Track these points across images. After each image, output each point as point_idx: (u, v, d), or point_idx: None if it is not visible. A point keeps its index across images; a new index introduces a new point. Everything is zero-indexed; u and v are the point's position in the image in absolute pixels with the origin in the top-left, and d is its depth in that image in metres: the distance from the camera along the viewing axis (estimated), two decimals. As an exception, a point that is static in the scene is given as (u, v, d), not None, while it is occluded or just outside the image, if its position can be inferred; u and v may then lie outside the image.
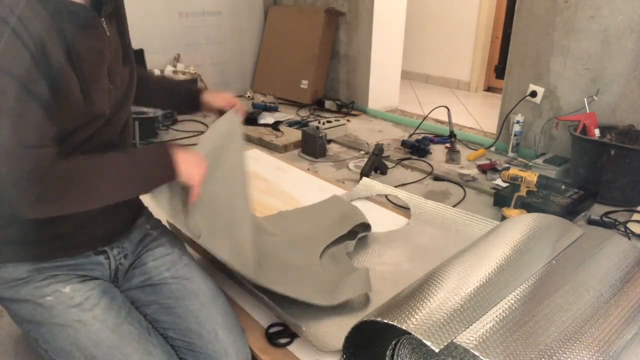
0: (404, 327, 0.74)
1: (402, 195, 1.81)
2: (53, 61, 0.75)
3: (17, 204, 0.74)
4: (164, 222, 1.16)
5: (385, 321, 0.77)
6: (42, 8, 0.75)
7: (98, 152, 0.87)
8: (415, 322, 0.75)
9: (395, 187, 1.93)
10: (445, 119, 2.70)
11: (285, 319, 1.08)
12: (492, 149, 2.62)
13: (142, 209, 1.10)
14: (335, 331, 1.07)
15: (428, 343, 0.70)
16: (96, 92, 0.84)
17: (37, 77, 0.73)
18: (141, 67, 1.14)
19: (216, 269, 1.26)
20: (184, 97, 1.20)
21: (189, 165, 0.91)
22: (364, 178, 1.96)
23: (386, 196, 1.85)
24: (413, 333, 0.73)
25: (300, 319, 1.06)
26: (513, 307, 0.80)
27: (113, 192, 0.84)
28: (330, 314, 1.12)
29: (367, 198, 1.82)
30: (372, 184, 1.90)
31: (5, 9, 0.70)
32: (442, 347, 0.70)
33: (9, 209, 0.77)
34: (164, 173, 0.89)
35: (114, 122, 0.92)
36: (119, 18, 0.93)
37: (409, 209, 1.74)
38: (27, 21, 0.72)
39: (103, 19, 0.86)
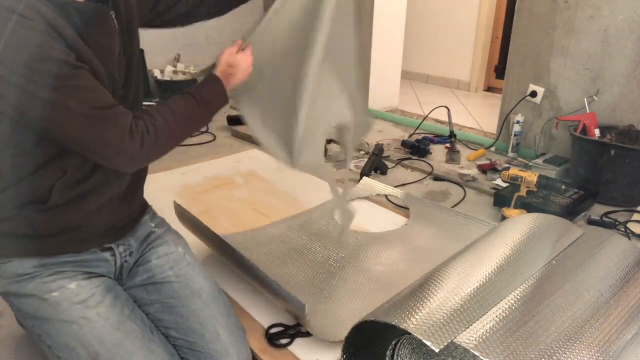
0: (403, 327, 0.74)
1: (401, 195, 1.81)
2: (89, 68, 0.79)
3: (123, 158, 0.83)
4: (168, 221, 1.17)
5: (386, 321, 0.77)
6: (59, 15, 0.76)
7: None
8: (415, 322, 0.75)
9: (395, 187, 1.94)
10: (445, 119, 2.70)
11: (289, 299, 1.04)
12: (492, 149, 2.62)
13: (146, 207, 1.11)
14: (334, 323, 1.07)
15: (428, 343, 0.70)
16: (115, 87, 0.87)
17: (72, 54, 0.76)
18: None
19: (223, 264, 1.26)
20: None
21: (235, 77, 1.02)
22: (364, 177, 1.96)
23: (386, 196, 1.85)
24: (413, 333, 0.73)
25: (305, 302, 1.03)
26: (513, 307, 0.80)
27: (191, 127, 0.95)
28: (334, 305, 1.11)
29: (367, 198, 1.82)
30: (372, 184, 1.90)
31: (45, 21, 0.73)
32: (442, 347, 0.70)
33: (113, 167, 0.87)
34: (221, 102, 1.00)
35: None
36: (121, 7, 0.92)
37: (408, 208, 1.74)
38: (64, 31, 0.75)
39: (113, 12, 0.86)
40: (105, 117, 0.79)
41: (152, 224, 1.09)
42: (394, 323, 0.76)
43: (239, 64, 1.01)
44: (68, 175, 0.85)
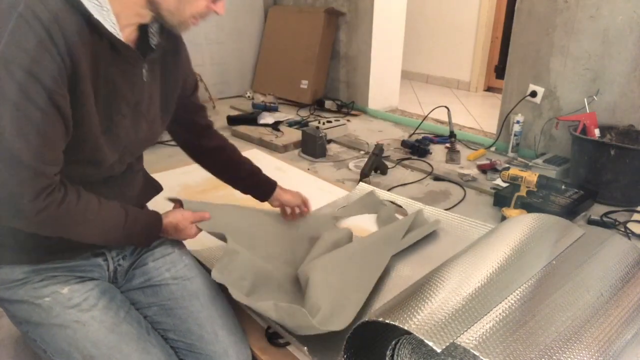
0: (405, 328, 0.74)
1: (399, 200, 1.80)
2: (80, 83, 0.76)
3: (14, 212, 0.75)
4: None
5: (387, 321, 0.77)
6: (89, 33, 0.76)
7: (98, 172, 0.89)
8: (417, 323, 0.75)
9: (396, 187, 1.93)
10: (445, 119, 2.70)
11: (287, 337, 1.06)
12: (492, 149, 2.62)
13: (142, 209, 1.10)
14: (332, 344, 1.05)
15: (430, 343, 0.70)
16: (117, 126, 0.86)
17: (64, 92, 0.73)
18: (228, 142, 1.25)
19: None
20: (262, 187, 1.29)
21: (170, 236, 1.01)
22: (361, 183, 1.94)
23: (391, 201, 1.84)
24: (415, 333, 0.73)
25: (301, 338, 1.03)
26: (513, 307, 0.80)
27: (98, 237, 0.89)
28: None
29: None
30: (369, 189, 1.88)
31: (49, 17, 0.70)
32: (444, 347, 0.70)
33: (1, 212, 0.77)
34: (147, 242, 0.98)
35: (126, 155, 0.94)
36: (164, 68, 0.95)
37: (401, 207, 1.74)
38: (67, 36, 0.72)
39: (146, 64, 0.88)
40: (21, 162, 0.71)
41: None
42: (395, 323, 0.76)
43: (184, 232, 1.01)
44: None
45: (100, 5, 0.75)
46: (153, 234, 0.96)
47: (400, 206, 1.75)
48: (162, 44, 0.90)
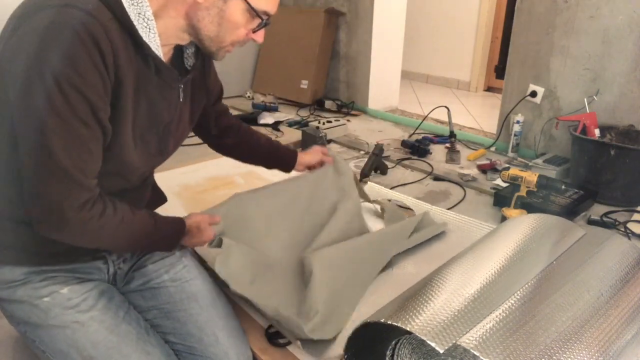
0: (408, 329, 0.74)
1: (408, 201, 1.80)
2: (122, 99, 0.77)
3: (44, 221, 0.77)
4: None
5: (390, 322, 0.77)
6: (134, 52, 0.77)
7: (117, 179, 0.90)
8: (419, 324, 0.75)
9: (396, 187, 1.93)
10: (445, 119, 2.70)
11: (283, 331, 1.08)
12: (492, 149, 2.62)
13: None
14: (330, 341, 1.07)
15: (433, 344, 0.70)
16: (148, 143, 0.88)
17: (106, 107, 0.75)
18: (249, 132, 1.30)
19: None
20: (284, 159, 1.36)
21: (192, 239, 1.00)
22: (369, 182, 1.96)
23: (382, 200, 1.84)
24: (417, 334, 0.72)
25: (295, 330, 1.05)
26: (513, 307, 0.80)
27: (128, 246, 0.92)
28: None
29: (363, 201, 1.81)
30: (377, 189, 1.90)
31: (102, 33, 0.71)
32: (446, 347, 0.70)
33: (29, 218, 0.78)
34: (170, 247, 0.97)
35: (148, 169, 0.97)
36: (193, 86, 0.97)
37: (409, 208, 1.74)
38: (116, 53, 0.74)
39: (182, 85, 0.89)
40: (69, 175, 0.74)
41: None
42: (398, 325, 0.76)
43: (205, 233, 1.01)
44: None
45: (148, 27, 0.77)
46: (177, 238, 0.96)
47: (409, 208, 1.75)
48: (197, 66, 0.92)
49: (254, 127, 2.82)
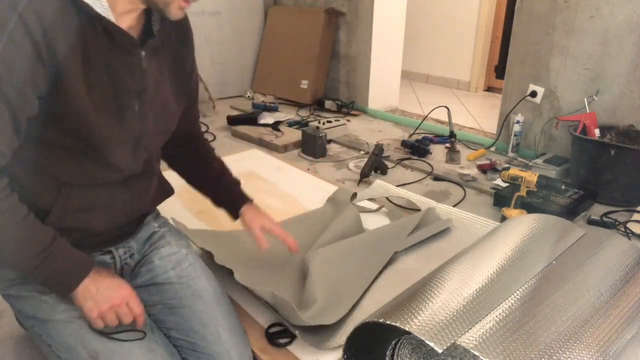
0: (407, 329, 0.74)
1: (414, 198, 1.81)
2: (64, 73, 0.75)
3: None
4: (170, 221, 1.17)
5: (389, 322, 0.77)
6: (75, 13, 0.75)
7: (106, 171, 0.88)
8: (418, 323, 0.75)
9: (396, 187, 1.93)
10: (445, 119, 2.70)
11: (282, 322, 1.09)
12: (492, 149, 2.62)
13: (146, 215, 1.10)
14: (329, 330, 1.08)
15: (431, 344, 0.70)
16: (122, 116, 0.85)
17: (35, 78, 0.73)
18: (206, 143, 1.17)
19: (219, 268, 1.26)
20: (229, 200, 1.17)
21: (87, 299, 0.85)
22: (377, 180, 1.96)
23: (387, 198, 1.85)
24: (416, 334, 0.73)
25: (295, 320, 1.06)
26: (513, 307, 0.80)
27: (6, 255, 0.81)
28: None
29: (371, 199, 1.82)
30: (386, 186, 1.90)
31: (26, 6, 0.70)
32: (445, 347, 0.70)
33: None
34: (57, 287, 0.85)
35: (139, 148, 0.93)
36: (171, 56, 0.94)
37: (409, 208, 1.74)
38: (45, 21, 0.71)
39: (144, 51, 0.86)
40: None
41: (155, 224, 1.08)
42: (397, 324, 0.76)
43: (90, 304, 0.85)
44: (65, 197, 0.86)
45: None
46: (72, 275, 0.84)
47: (411, 208, 1.75)
48: (165, 32, 0.89)
49: (255, 127, 2.83)
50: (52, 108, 0.77)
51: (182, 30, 0.95)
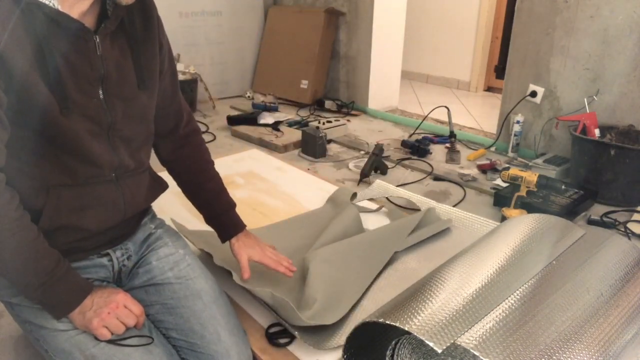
0: (406, 329, 0.74)
1: (415, 198, 1.81)
2: (15, 69, 0.73)
3: None
4: (169, 222, 1.17)
5: (388, 322, 0.77)
6: (16, 7, 0.72)
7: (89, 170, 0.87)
8: (417, 323, 0.75)
9: (396, 187, 1.93)
10: (445, 119, 2.70)
11: (282, 322, 1.09)
12: (492, 149, 2.62)
13: (148, 209, 1.10)
14: (328, 330, 1.08)
15: (431, 344, 0.70)
16: (86, 107, 0.83)
17: None
18: (205, 154, 1.14)
19: (217, 268, 1.26)
20: (220, 226, 1.14)
21: (85, 314, 0.86)
22: (377, 180, 1.97)
23: (387, 198, 1.85)
24: (416, 334, 0.73)
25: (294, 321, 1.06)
26: (513, 307, 0.80)
27: (9, 273, 0.81)
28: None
29: (371, 199, 1.82)
30: (386, 186, 1.91)
31: None
32: (445, 347, 0.70)
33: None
34: (54, 310, 0.86)
35: (114, 140, 0.90)
36: (133, 40, 0.90)
37: (409, 208, 1.74)
38: None
39: (97, 37, 0.83)
40: None
41: (152, 226, 1.08)
42: (396, 324, 0.76)
43: (88, 324, 0.86)
44: (56, 198, 0.84)
45: None
46: (71, 303, 0.85)
47: (412, 208, 1.75)
48: (120, 15, 0.86)
49: (255, 127, 2.83)
50: (19, 109, 0.76)
51: (143, 11, 0.91)
